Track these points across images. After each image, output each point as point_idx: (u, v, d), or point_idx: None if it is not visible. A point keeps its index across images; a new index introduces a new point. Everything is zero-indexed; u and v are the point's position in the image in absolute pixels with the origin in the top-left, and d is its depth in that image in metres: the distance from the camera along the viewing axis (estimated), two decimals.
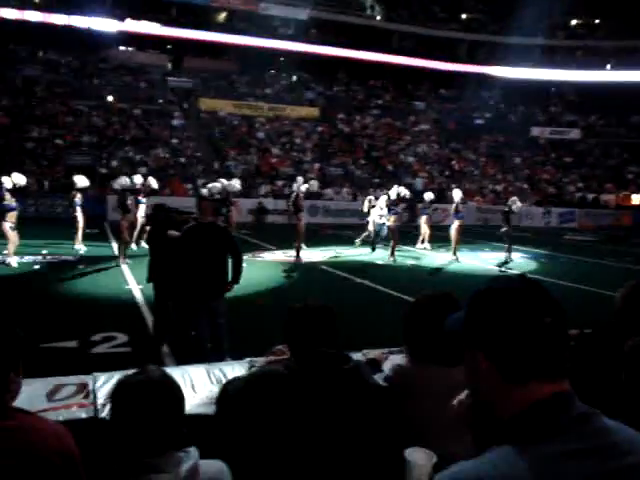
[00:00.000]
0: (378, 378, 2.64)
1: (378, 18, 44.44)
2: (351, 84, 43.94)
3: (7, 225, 12.72)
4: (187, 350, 6.80)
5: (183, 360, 6.57)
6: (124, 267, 13.22)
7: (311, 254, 16.24)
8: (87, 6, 36.18)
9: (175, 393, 1.94)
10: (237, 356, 6.41)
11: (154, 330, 7.64)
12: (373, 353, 3.26)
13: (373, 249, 17.57)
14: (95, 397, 2.72)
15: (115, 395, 1.92)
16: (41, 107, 32.56)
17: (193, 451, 1.88)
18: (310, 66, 41.43)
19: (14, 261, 12.84)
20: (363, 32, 42.34)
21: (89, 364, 6.38)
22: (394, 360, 2.71)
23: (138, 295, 10.42)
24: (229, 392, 2.46)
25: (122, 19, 37.95)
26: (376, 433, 2.36)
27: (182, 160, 30.52)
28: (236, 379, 2.59)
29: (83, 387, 2.79)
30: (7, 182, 12.99)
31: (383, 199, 16.99)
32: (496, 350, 1.21)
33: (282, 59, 42.18)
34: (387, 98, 43.78)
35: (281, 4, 41.12)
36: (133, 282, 11.49)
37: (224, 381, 2.85)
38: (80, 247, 15.37)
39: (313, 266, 14.70)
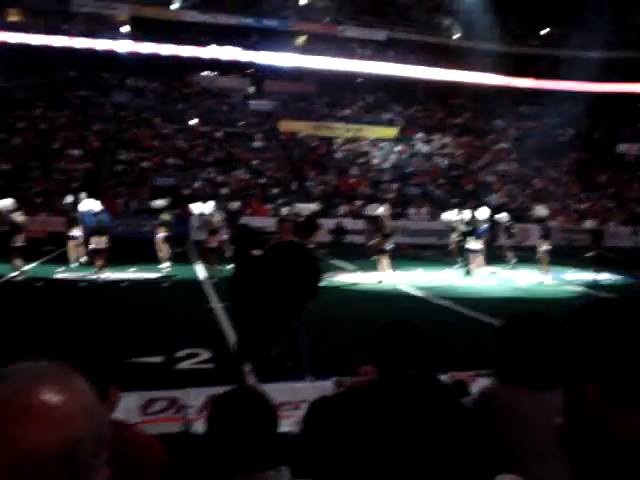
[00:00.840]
0: (466, 401, 2.59)
1: (456, 37, 44.17)
2: (429, 103, 43.73)
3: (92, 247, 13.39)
4: (268, 368, 6.86)
5: (264, 378, 6.65)
6: (207, 285, 13.53)
7: (392, 275, 16.13)
8: (173, 35, 37.75)
9: (271, 411, 1.96)
10: (318, 375, 6.47)
11: (236, 348, 7.76)
12: (459, 375, 3.20)
13: (467, 272, 16.77)
14: (186, 412, 2.79)
15: (214, 410, 1.95)
16: (129, 131, 34.02)
17: (285, 470, 1.89)
18: (388, 86, 41.55)
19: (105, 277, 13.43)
20: (441, 51, 42.11)
21: (174, 379, 6.55)
22: (482, 383, 2.65)
23: (220, 313, 10.64)
24: (317, 411, 2.47)
25: (205, 45, 39.29)
26: (466, 458, 2.31)
27: (262, 181, 31.09)
28: (323, 398, 2.60)
29: (174, 402, 2.86)
30: (94, 206, 13.62)
31: (459, 217, 16.63)
32: (605, 375, 1.15)
33: (360, 80, 42.51)
34: (466, 116, 43.29)
35: (359, 26, 41.54)
36: (215, 300, 11.74)
37: (310, 400, 2.86)
38: (164, 266, 15.85)
39: (394, 286, 14.59)
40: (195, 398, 2.98)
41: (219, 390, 3.06)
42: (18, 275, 13.63)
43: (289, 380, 6.12)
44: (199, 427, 2.73)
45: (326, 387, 3.16)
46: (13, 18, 39.42)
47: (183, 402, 2.94)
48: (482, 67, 42.71)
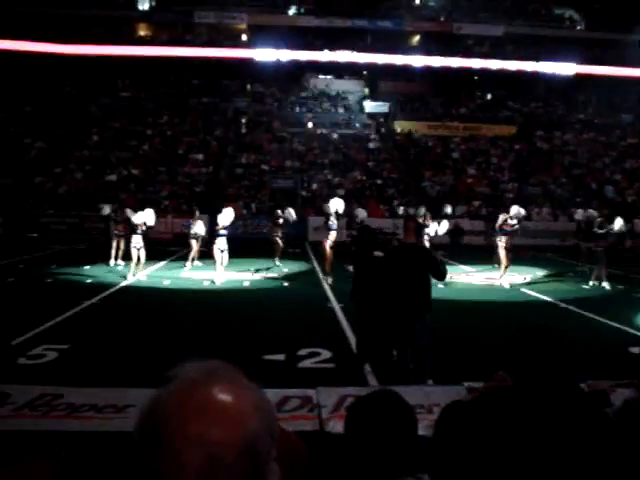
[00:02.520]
0: (608, 412, 2.48)
1: (579, 28, 42.19)
2: (550, 99, 42.05)
3: (216, 248, 13.82)
4: (389, 370, 6.87)
5: (385, 380, 6.67)
6: (326, 286, 13.72)
7: (511, 277, 15.67)
8: (289, 40, 38.68)
9: (412, 415, 1.88)
10: (439, 379, 6.41)
11: (357, 348, 7.82)
12: (598, 384, 3.05)
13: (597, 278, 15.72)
14: (320, 411, 2.86)
15: (353, 413, 1.89)
16: (249, 135, 35.15)
17: (425, 478, 1.79)
18: (506, 83, 40.40)
19: (221, 279, 13.93)
20: (561, 44, 40.35)
21: (297, 377, 6.70)
22: (623, 394, 2.53)
23: (340, 313, 10.76)
24: (451, 416, 2.45)
25: (321, 49, 39.89)
26: (609, 471, 2.21)
27: (378, 182, 31.11)
28: (457, 403, 2.58)
29: (308, 400, 2.94)
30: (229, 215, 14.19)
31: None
32: None
33: (476, 77, 41.57)
34: (590, 112, 41.24)
35: (476, 22, 40.67)
36: (334, 301, 11.89)
37: (442, 404, 2.85)
38: (280, 264, 16.32)
39: (516, 289, 14.16)
40: (328, 397, 3.04)
41: (350, 391, 3.13)
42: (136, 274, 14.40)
43: (410, 383, 6.11)
44: (333, 426, 2.79)
45: (458, 392, 3.14)
46: (141, 33, 41.81)
47: (317, 401, 3.02)
48: (608, 58, 40.54)
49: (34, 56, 37.85)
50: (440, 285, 11.38)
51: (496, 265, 15.62)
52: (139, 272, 14.26)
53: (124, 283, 13.69)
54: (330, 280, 14.17)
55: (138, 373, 6.80)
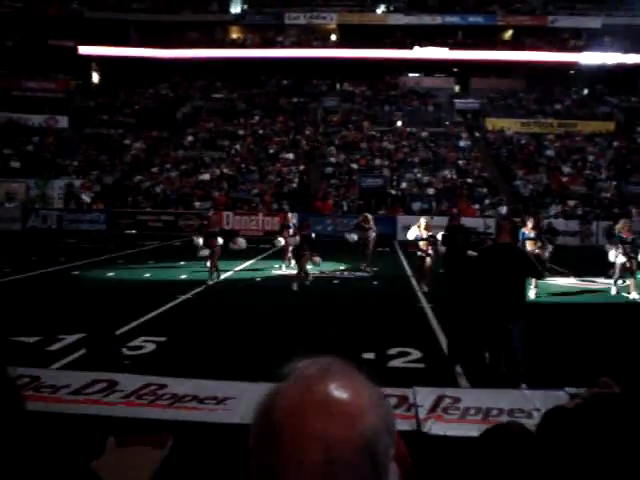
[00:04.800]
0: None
1: None
2: None
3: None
4: (481, 372, 6.75)
5: (476, 382, 6.55)
6: (416, 285, 13.60)
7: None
8: (379, 38, 38.59)
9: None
10: (533, 383, 6.24)
11: (448, 349, 7.72)
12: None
13: None
14: (417, 410, 2.86)
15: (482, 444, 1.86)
16: (338, 134, 35.34)
17: None
18: (604, 77, 38.71)
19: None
20: None
21: (387, 376, 6.69)
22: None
23: (430, 313, 10.66)
24: (553, 421, 2.39)
25: (411, 47, 39.56)
26: None
27: (469, 181, 30.56)
28: (560, 408, 2.52)
29: (404, 399, 2.95)
30: None
31: None
32: None
33: (572, 72, 40.07)
34: None
35: (572, 15, 39.23)
36: (424, 301, 11.78)
37: (542, 409, 2.79)
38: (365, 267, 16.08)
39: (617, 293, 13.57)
40: (425, 397, 3.04)
41: (447, 391, 3.11)
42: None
43: (502, 386, 5.99)
44: (430, 426, 2.79)
45: (558, 397, 3.06)
46: (234, 35, 42.84)
47: (413, 400, 3.02)
48: None
49: (132, 61, 39.48)
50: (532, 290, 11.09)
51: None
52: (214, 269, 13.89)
53: (220, 278, 14.06)
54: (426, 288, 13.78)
55: (233, 366, 6.99)
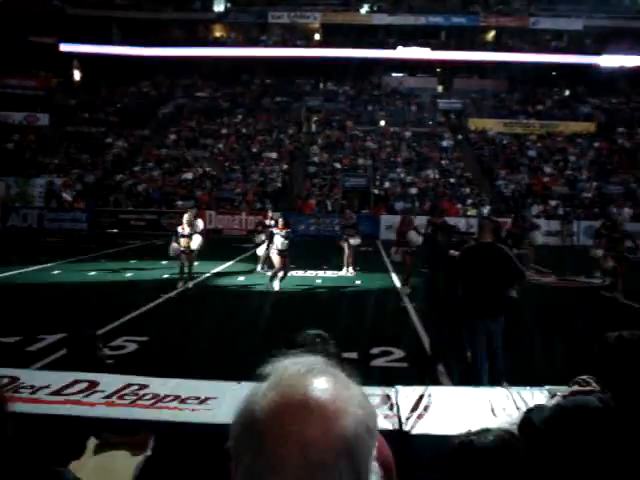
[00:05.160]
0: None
1: None
2: (633, 94, 40.41)
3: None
4: (463, 370, 6.79)
5: (459, 380, 6.59)
6: (399, 284, 13.64)
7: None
8: (362, 38, 38.67)
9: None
10: (515, 381, 6.29)
11: (430, 348, 7.76)
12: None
13: None
14: (399, 409, 2.86)
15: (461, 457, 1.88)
16: (321, 134, 35.36)
17: None
18: (585, 78, 39.09)
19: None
20: None
21: (369, 375, 6.71)
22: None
23: (412, 312, 10.70)
24: (534, 421, 2.41)
25: (394, 47, 39.69)
26: None
27: (451, 180, 30.72)
28: (539, 407, 2.54)
29: (387, 398, 2.95)
30: None
31: None
32: None
33: (554, 73, 40.42)
34: None
35: (554, 16, 39.58)
36: (407, 300, 11.82)
37: (523, 408, 2.81)
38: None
39: (594, 292, 13.72)
40: (406, 396, 3.05)
41: (429, 390, 3.13)
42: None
43: (484, 384, 6.03)
44: (412, 425, 2.80)
45: (539, 395, 3.08)
46: (217, 34, 42.70)
47: (395, 399, 3.02)
48: None
49: (114, 59, 39.23)
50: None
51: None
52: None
53: (200, 278, 14.01)
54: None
55: (215, 366, 6.98)
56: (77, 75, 42.50)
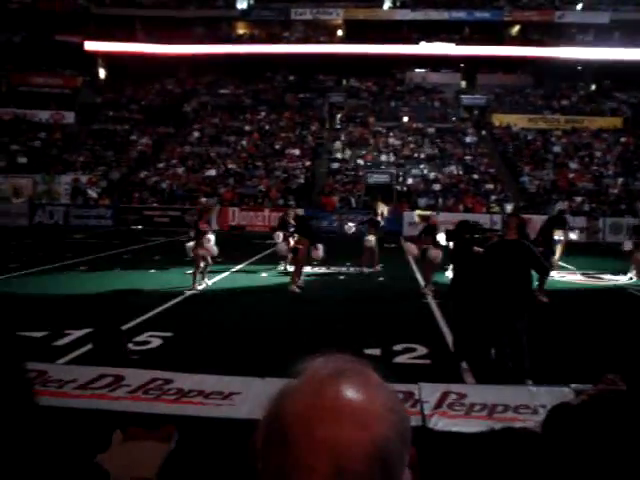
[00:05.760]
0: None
1: None
2: None
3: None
4: (487, 368, 6.75)
5: (482, 378, 6.55)
6: (422, 281, 13.57)
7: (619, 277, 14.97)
8: (385, 34, 38.52)
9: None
10: (538, 379, 6.24)
11: (454, 346, 7.72)
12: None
13: None
14: (422, 406, 2.86)
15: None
16: (345, 130, 35.32)
17: None
18: (612, 73, 38.51)
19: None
20: None
21: (393, 372, 6.69)
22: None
23: (436, 309, 10.66)
24: (559, 418, 2.39)
25: (417, 42, 39.47)
26: None
27: (475, 177, 30.50)
28: (565, 405, 2.51)
29: (410, 395, 2.95)
30: None
31: None
32: None
33: (579, 68, 39.91)
34: None
35: (580, 9, 39.07)
36: (431, 296, 11.77)
37: (548, 405, 2.78)
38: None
39: (624, 289, 13.53)
40: (430, 393, 3.04)
41: (453, 387, 3.11)
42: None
43: (508, 382, 5.99)
44: (435, 422, 2.79)
45: (564, 393, 3.05)
46: (240, 31, 42.81)
47: (419, 396, 3.02)
48: None
49: (138, 57, 39.52)
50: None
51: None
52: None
53: (225, 274, 14.07)
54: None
55: (239, 361, 7.02)
56: (102, 73, 42.91)
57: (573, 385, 3.05)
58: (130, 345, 7.87)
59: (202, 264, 12.29)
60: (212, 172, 30.89)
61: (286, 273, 14.37)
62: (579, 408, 2.35)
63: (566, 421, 2.33)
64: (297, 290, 12.30)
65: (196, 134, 35.22)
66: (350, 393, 0.78)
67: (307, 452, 0.74)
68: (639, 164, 31.98)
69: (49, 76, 39.13)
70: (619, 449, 2.07)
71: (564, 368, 6.85)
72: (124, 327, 8.75)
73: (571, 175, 30.83)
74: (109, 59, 41.59)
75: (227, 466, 2.65)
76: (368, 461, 0.74)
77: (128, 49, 40.12)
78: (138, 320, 9.34)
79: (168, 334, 8.57)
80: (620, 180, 30.25)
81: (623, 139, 34.52)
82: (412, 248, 13.30)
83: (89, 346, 7.18)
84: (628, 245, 13.75)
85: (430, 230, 12.56)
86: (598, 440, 2.15)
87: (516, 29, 41.59)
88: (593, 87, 40.55)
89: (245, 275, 14.51)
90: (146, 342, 8.16)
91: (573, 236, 15.04)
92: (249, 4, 41.83)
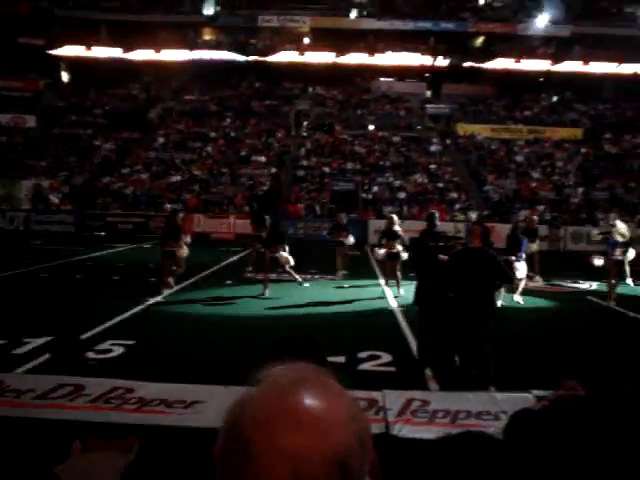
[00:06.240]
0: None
1: None
2: (619, 100, 40.72)
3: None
4: (451, 375, 6.80)
5: (446, 385, 6.60)
6: (387, 289, 13.65)
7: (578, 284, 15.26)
8: (351, 43, 38.79)
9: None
10: (503, 386, 6.30)
11: (418, 352, 7.76)
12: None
13: None
14: (386, 413, 2.86)
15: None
16: (309, 137, 35.41)
17: None
18: (573, 85, 39.39)
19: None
20: (631, 44, 38.95)
21: (358, 380, 6.69)
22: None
23: (400, 317, 10.71)
24: (520, 423, 2.41)
25: (383, 52, 39.86)
26: None
27: (440, 185, 30.82)
28: (526, 411, 2.54)
29: (374, 402, 2.95)
30: None
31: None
32: None
33: (541, 79, 40.74)
34: None
35: (542, 23, 39.88)
36: (395, 304, 11.83)
37: (509, 411, 2.81)
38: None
39: (582, 296, 13.79)
40: (394, 400, 3.05)
41: (416, 394, 3.13)
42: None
43: (472, 389, 6.04)
44: (399, 429, 2.80)
45: (525, 399, 3.09)
46: (206, 37, 42.64)
47: (382, 403, 3.02)
48: None
49: (103, 61, 39.08)
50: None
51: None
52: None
53: (187, 282, 13.94)
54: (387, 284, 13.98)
55: (202, 370, 6.94)
56: (65, 77, 42.28)
57: (534, 391, 3.09)
58: (91, 353, 7.75)
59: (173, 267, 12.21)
60: (177, 178, 30.65)
61: (250, 280, 14.32)
62: (540, 413, 2.38)
63: (527, 426, 2.35)
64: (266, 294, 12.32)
65: (161, 140, 34.92)
66: (310, 401, 0.76)
67: (266, 460, 0.73)
68: (598, 174, 32.70)
69: (10, 79, 38.39)
70: (579, 453, 2.10)
71: (526, 375, 6.94)
72: (86, 335, 8.62)
73: (533, 184, 31.38)
74: (73, 63, 41.00)
75: (190, 476, 2.61)
76: (328, 469, 0.73)
77: (92, 53, 39.65)
78: (99, 328, 9.19)
79: (130, 342, 8.45)
80: (580, 189, 30.90)
81: (583, 150, 35.28)
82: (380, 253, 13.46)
83: (48, 355, 7.06)
84: (598, 262, 13.61)
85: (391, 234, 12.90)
86: (558, 444, 2.17)
87: (480, 40, 42.25)
88: (555, 98, 41.36)
89: (209, 282, 14.41)
90: (108, 350, 8.03)
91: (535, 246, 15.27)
92: (216, 10, 41.67)
